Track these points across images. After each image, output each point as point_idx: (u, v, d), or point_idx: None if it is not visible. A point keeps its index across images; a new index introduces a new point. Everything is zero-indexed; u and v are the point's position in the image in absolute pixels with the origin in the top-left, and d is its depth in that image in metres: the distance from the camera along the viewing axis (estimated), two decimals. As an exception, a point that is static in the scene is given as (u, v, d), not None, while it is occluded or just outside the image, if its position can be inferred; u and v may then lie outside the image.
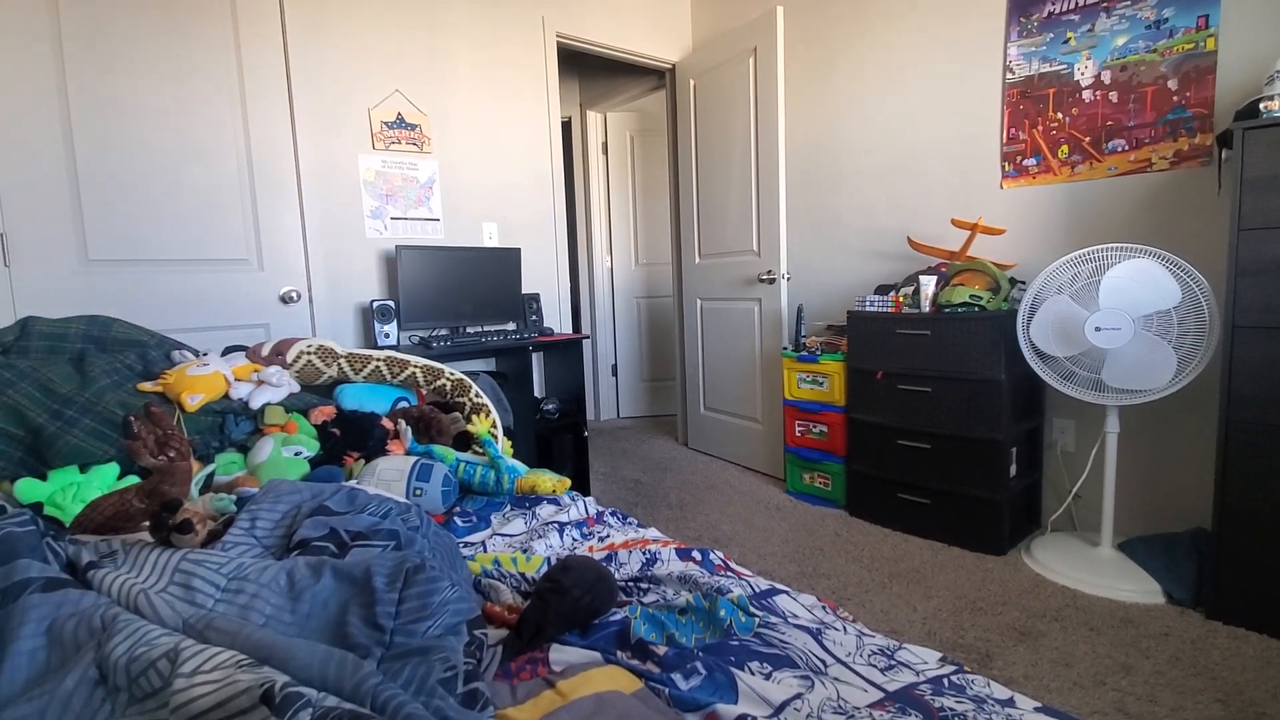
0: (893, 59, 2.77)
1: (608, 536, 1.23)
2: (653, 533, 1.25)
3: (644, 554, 1.12)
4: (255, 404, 1.26)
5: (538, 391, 3.18)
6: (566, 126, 4.48)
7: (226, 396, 1.26)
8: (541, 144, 3.21)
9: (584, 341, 3.11)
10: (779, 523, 2.65)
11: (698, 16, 3.71)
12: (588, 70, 4.43)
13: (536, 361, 3.20)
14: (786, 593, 1.01)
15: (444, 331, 2.74)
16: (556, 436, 2.97)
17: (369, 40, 2.66)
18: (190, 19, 2.25)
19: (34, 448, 1.06)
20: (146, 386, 1.18)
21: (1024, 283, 2.32)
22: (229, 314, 2.36)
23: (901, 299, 2.53)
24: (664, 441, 4.01)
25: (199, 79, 2.27)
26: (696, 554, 1.12)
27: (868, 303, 2.60)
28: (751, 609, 0.93)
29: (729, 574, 1.08)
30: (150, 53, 2.18)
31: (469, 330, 2.82)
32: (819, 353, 2.81)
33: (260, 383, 1.29)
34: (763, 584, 1.02)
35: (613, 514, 1.35)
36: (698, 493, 3.04)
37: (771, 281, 3.14)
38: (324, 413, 1.36)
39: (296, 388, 1.36)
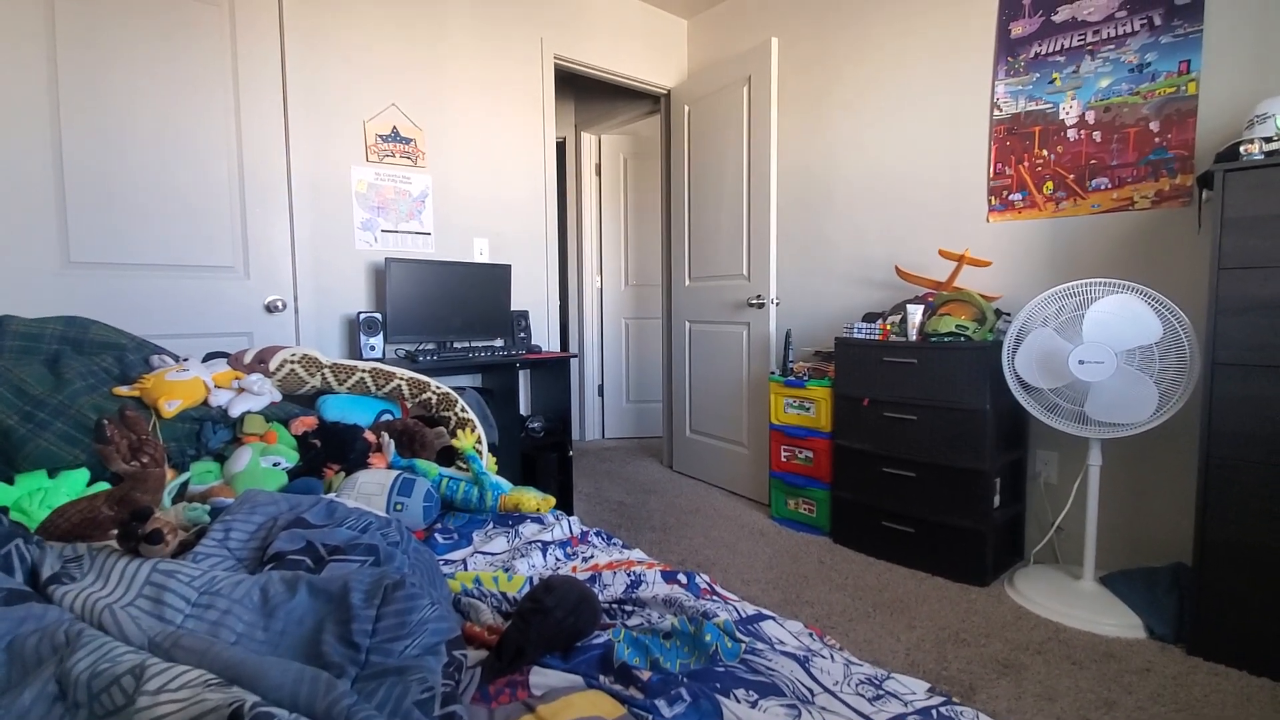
0: (886, 91, 2.83)
1: (592, 557, 1.21)
2: (637, 554, 1.23)
3: (629, 575, 1.10)
4: (235, 412, 1.23)
5: (524, 409, 3.15)
6: (561, 146, 4.51)
7: (205, 403, 1.23)
8: (536, 162, 3.23)
9: (571, 360, 3.09)
10: (763, 548, 2.63)
11: (694, 44, 3.77)
12: (584, 92, 4.48)
13: (523, 379, 3.18)
14: (773, 618, 0.99)
15: (431, 346, 2.71)
16: (541, 455, 2.94)
17: (367, 53, 2.67)
18: (187, 25, 2.25)
19: (2, 450, 1.02)
20: (123, 391, 1.15)
21: (1009, 314, 2.36)
22: (213, 321, 2.33)
23: (889, 327, 2.54)
24: (649, 464, 3.98)
25: (194, 84, 2.26)
26: (682, 577, 1.10)
27: (856, 330, 2.62)
28: (738, 634, 0.91)
29: (714, 598, 1.06)
30: (146, 56, 2.17)
31: (456, 345, 2.80)
32: (807, 378, 2.82)
33: (241, 390, 1.26)
34: (749, 609, 1.01)
35: (597, 534, 1.32)
36: (682, 516, 3.01)
37: (761, 306, 3.16)
38: (305, 423, 1.34)
39: (278, 397, 1.33)
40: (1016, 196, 2.44)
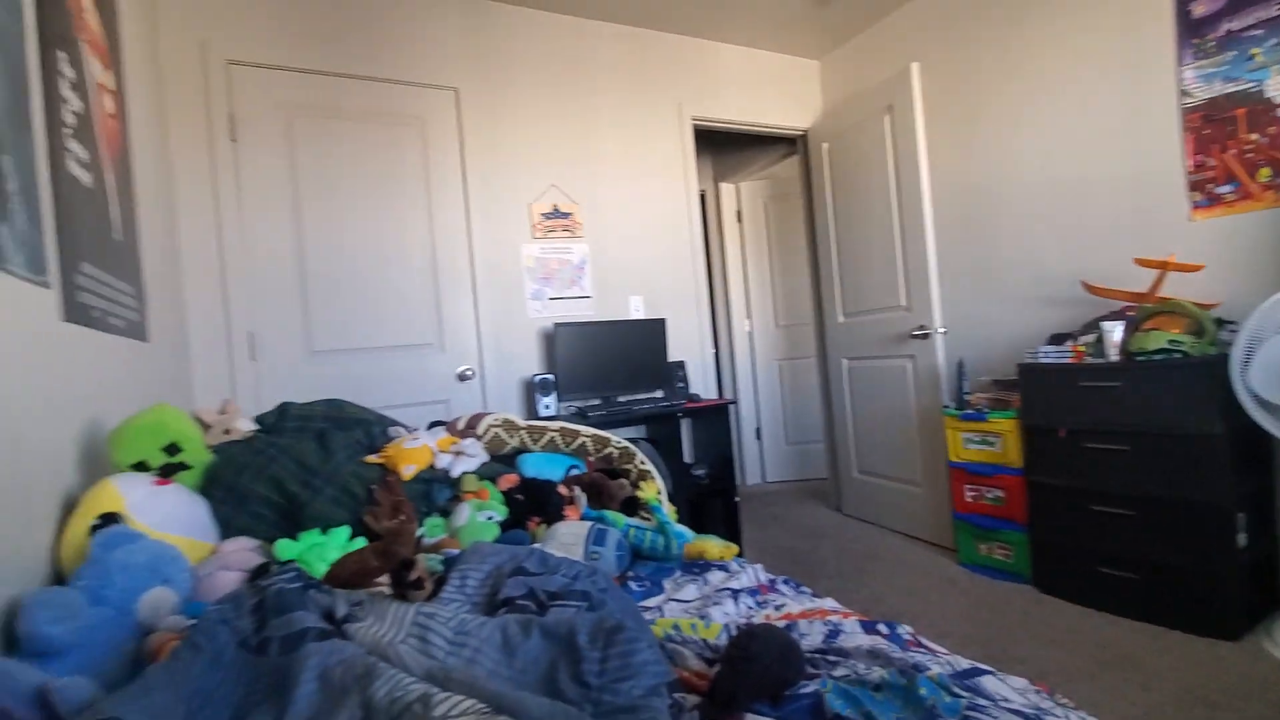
0: (1045, 98, 2.65)
1: (783, 605, 1.21)
2: (830, 603, 1.22)
3: (825, 625, 1.09)
4: (455, 473, 1.42)
5: (687, 457, 3.22)
6: (701, 199, 4.67)
7: (432, 466, 1.43)
8: (681, 219, 3.38)
9: (729, 406, 3.13)
10: (955, 598, 2.44)
11: (827, 83, 3.79)
12: (719, 145, 4.64)
13: (685, 427, 3.26)
14: (992, 673, 0.93)
15: (597, 401, 2.89)
16: (707, 502, 2.97)
17: (529, 145, 3.00)
18: (392, 143, 2.68)
19: (289, 513, 1.26)
20: (373, 459, 1.38)
21: (1234, 323, 2.04)
22: (417, 391, 2.67)
23: (1082, 348, 2.31)
24: (815, 507, 3.86)
25: (397, 193, 2.68)
26: (883, 627, 1.07)
27: (1041, 354, 2.42)
28: (955, 689, 0.88)
29: (921, 650, 1.02)
30: (362, 173, 2.62)
31: (620, 399, 2.95)
32: (987, 410, 2.62)
33: (458, 454, 1.46)
34: (963, 663, 0.96)
35: (785, 582, 1.33)
36: (858, 562, 2.88)
37: (925, 336, 3.00)
38: (509, 480, 1.50)
39: (486, 457, 1.51)
40: (1226, 189, 2.14)
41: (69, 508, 1.08)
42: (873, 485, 3.43)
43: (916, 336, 3.04)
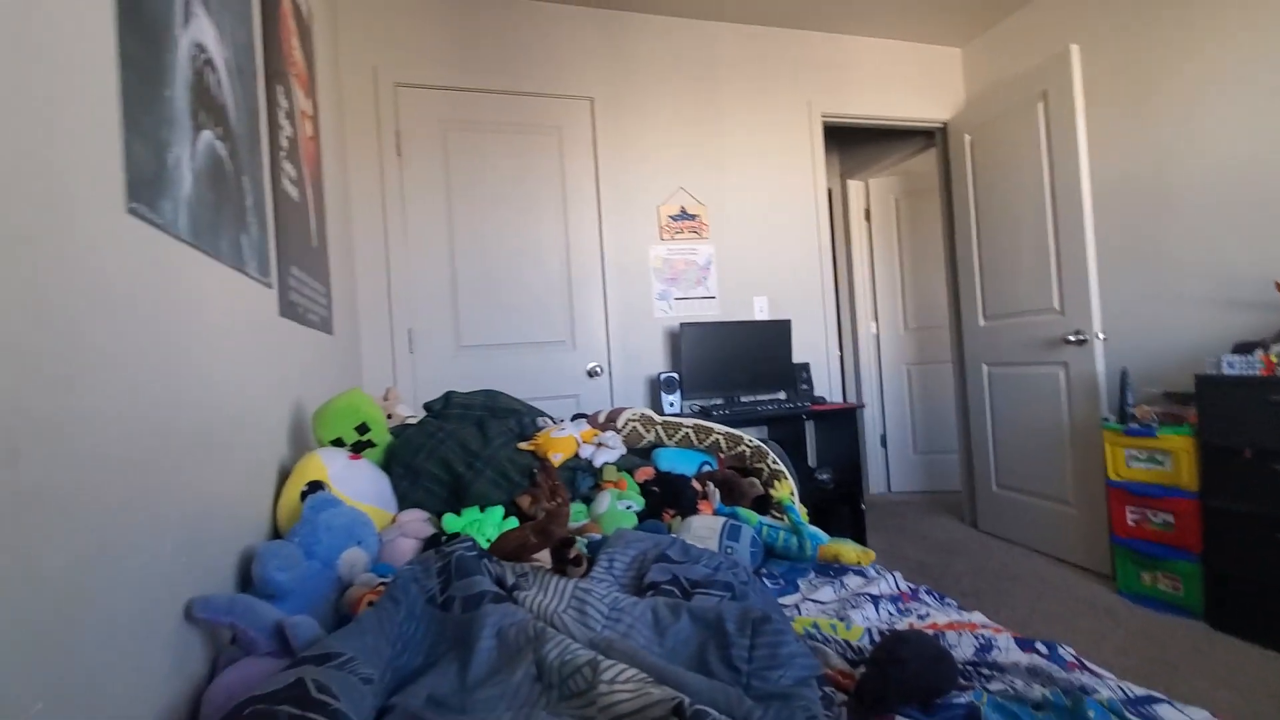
0: (1231, 74, 2.36)
1: (927, 615, 1.18)
2: (978, 616, 1.17)
3: (975, 638, 1.05)
4: (597, 463, 1.51)
5: (810, 461, 3.17)
6: (827, 198, 4.55)
7: (576, 455, 1.53)
8: (808, 219, 3.32)
9: (857, 410, 3.03)
10: (1112, 629, 2.23)
11: (970, 71, 3.57)
12: (846, 141, 4.50)
13: (809, 430, 3.21)
14: (1168, 702, 0.86)
15: (719, 400, 2.91)
16: (832, 508, 2.91)
17: (658, 148, 3.07)
18: (532, 151, 2.86)
19: (455, 490, 1.40)
20: (524, 446, 1.49)
21: None
22: (550, 386, 2.83)
23: (1274, 359, 2.04)
24: (946, 520, 3.65)
25: (535, 198, 2.85)
26: (1041, 646, 1.02)
27: (1224, 364, 2.15)
28: (1127, 715, 0.82)
29: (1086, 672, 0.96)
30: (505, 184, 2.81)
31: (743, 399, 2.96)
32: (1155, 425, 2.37)
33: (600, 445, 1.54)
34: (1136, 689, 0.89)
35: (927, 592, 1.29)
36: (996, 582, 2.70)
37: (1081, 342, 2.76)
38: (645, 473, 1.56)
39: (624, 450, 1.59)
40: None
41: (283, 475, 1.27)
42: (1014, 501, 3.19)
43: (1071, 342, 2.80)
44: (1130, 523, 2.46)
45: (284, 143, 1.49)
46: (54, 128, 0.59)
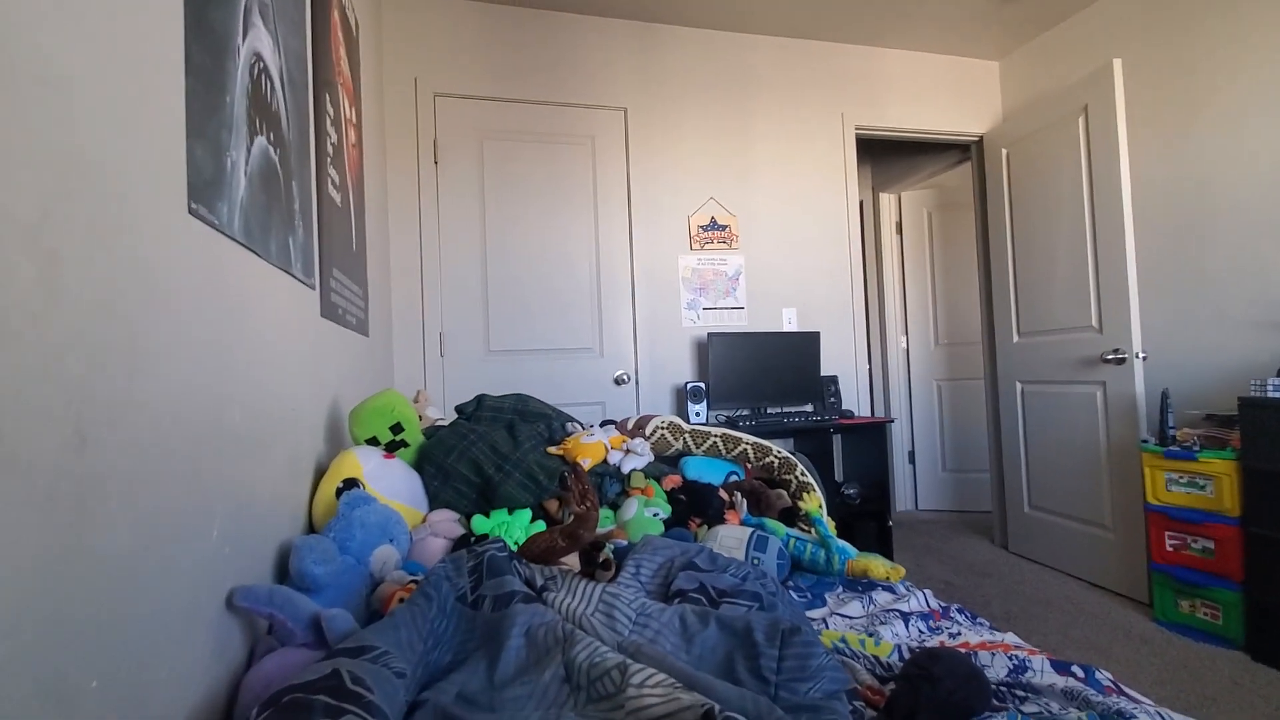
0: (1277, 89, 2.29)
1: (959, 634, 1.16)
2: (1012, 638, 1.15)
3: (1009, 659, 1.03)
4: (625, 469, 1.51)
5: (837, 475, 3.13)
6: (858, 210, 4.52)
7: (605, 461, 1.53)
8: (839, 231, 3.31)
9: (887, 425, 2.99)
10: (1147, 658, 2.16)
11: (1008, 85, 3.52)
12: (878, 153, 4.47)
13: (836, 444, 3.18)
14: (1217, 737, 0.84)
15: (746, 411, 2.90)
16: (858, 523, 2.87)
17: (690, 158, 3.09)
18: (565, 162, 2.90)
19: (484, 492, 1.41)
20: (553, 450, 1.51)
21: None
22: (576, 392, 2.85)
23: (1331, 383, 1.96)
24: (976, 541, 3.57)
25: (567, 206, 2.89)
26: (1078, 669, 0.99)
27: (1270, 386, 2.08)
28: (1170, 745, 0.80)
29: (1123, 697, 0.93)
30: (537, 192, 2.85)
31: (770, 411, 2.94)
32: (1197, 448, 2.30)
33: (628, 452, 1.55)
34: (1177, 717, 0.87)
35: (959, 610, 1.27)
36: (1028, 607, 2.63)
37: (1120, 361, 2.69)
38: (672, 480, 1.56)
39: (652, 457, 1.59)
40: None
41: (320, 471, 1.30)
42: (1047, 523, 3.11)
43: (1109, 361, 2.73)
44: (1169, 548, 2.38)
45: (330, 149, 1.53)
46: (127, 130, 0.62)
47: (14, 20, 0.46)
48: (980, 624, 1.23)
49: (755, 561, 1.37)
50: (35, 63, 0.48)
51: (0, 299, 0.43)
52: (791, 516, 1.63)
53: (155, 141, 0.67)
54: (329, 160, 1.52)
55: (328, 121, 1.51)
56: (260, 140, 1.00)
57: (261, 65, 1.03)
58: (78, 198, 0.53)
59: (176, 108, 0.72)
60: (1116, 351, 2.70)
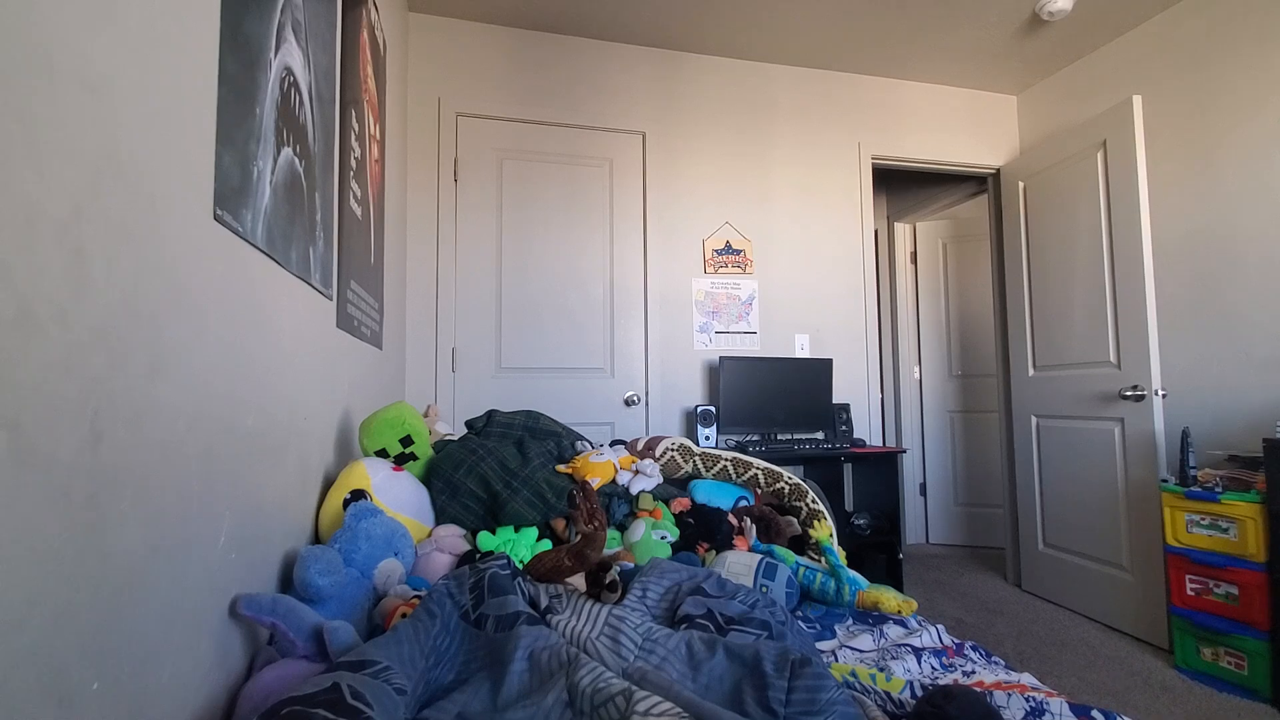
0: (1312, 132, 2.28)
1: (974, 673, 1.12)
2: (1028, 678, 1.11)
3: (1026, 700, 1.00)
4: (634, 490, 1.50)
5: (847, 504, 3.09)
6: (873, 239, 4.53)
7: (613, 481, 1.52)
8: (854, 259, 3.31)
9: (898, 456, 2.96)
10: (1168, 707, 2.08)
11: (1025, 119, 3.54)
12: (894, 183, 4.49)
13: (846, 473, 3.14)
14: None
15: (756, 436, 2.88)
16: (866, 554, 2.82)
17: (706, 182, 3.11)
18: (582, 180, 2.92)
19: (491, 508, 1.40)
20: (563, 468, 1.50)
21: None
22: (586, 412, 2.84)
23: (1359, 427, 1.92)
24: (988, 577, 3.50)
25: (583, 228, 2.91)
26: (1098, 714, 0.96)
27: (1298, 429, 2.04)
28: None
29: (1148, 748, 0.90)
30: (554, 212, 2.88)
31: (780, 437, 2.92)
32: (1219, 489, 2.24)
33: (637, 473, 1.53)
34: (1205, 771, 0.83)
35: (973, 648, 1.23)
36: (1042, 648, 2.56)
37: (1139, 398, 2.65)
38: (681, 504, 1.54)
39: (661, 479, 1.57)
40: None
41: (328, 481, 1.30)
42: (1063, 562, 3.04)
43: (1128, 397, 2.69)
44: (1190, 592, 2.32)
45: (353, 164, 1.56)
46: (160, 134, 0.63)
47: (58, 24, 0.47)
48: (995, 663, 1.19)
49: (764, 589, 1.35)
50: (78, 65, 0.49)
51: (28, 291, 0.43)
52: (801, 544, 1.61)
53: (186, 147, 0.68)
54: (352, 174, 1.54)
55: (352, 137, 1.54)
56: (287, 151, 1.02)
57: (292, 79, 1.05)
58: (109, 197, 0.54)
59: (208, 115, 0.74)
60: (1135, 388, 2.66)
